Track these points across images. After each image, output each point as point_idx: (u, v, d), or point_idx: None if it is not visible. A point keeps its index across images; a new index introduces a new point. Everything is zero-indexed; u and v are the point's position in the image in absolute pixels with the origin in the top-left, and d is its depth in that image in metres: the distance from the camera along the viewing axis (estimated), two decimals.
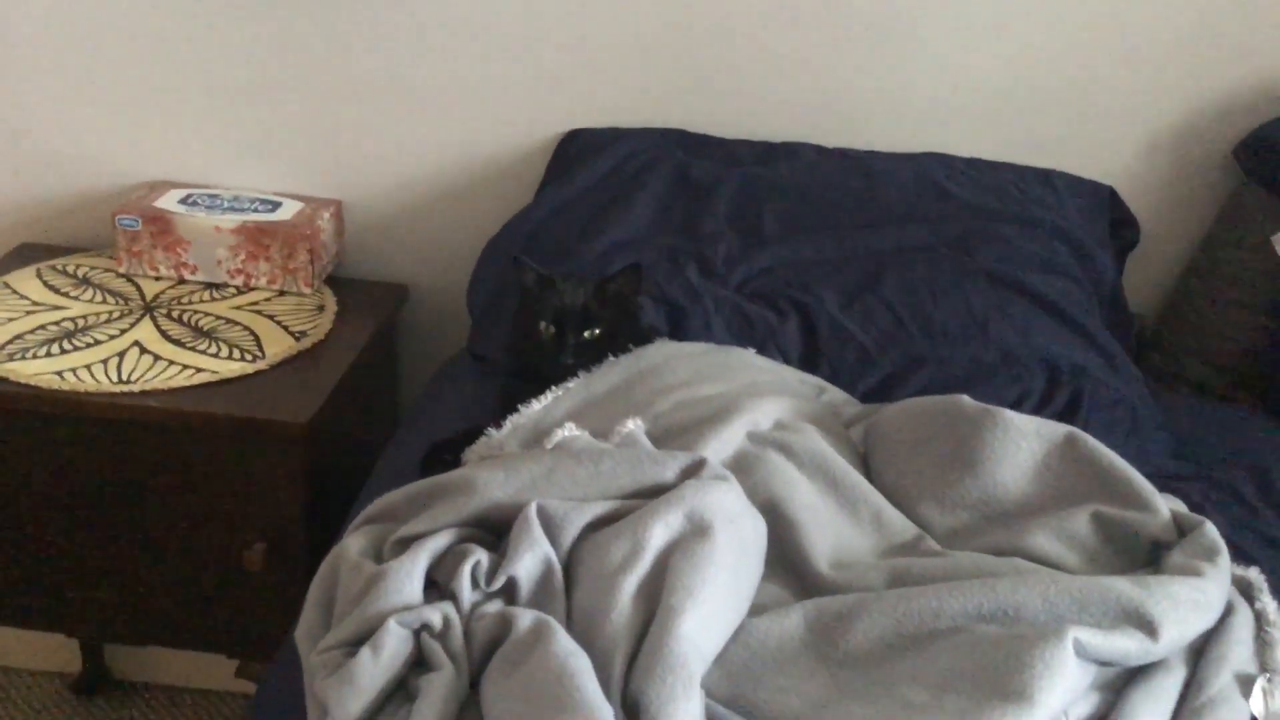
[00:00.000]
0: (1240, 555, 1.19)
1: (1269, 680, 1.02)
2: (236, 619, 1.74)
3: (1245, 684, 1.01)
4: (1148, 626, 0.98)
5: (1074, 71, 1.87)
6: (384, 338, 1.95)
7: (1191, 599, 1.01)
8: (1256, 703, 1.00)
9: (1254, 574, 1.14)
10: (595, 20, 1.89)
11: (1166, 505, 1.15)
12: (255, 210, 1.91)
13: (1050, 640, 0.94)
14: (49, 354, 1.70)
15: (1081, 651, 0.95)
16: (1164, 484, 1.25)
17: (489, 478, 1.09)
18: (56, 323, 1.78)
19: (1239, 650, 1.03)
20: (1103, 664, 0.98)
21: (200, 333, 1.78)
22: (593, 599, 1.00)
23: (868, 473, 1.28)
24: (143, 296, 1.87)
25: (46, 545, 1.72)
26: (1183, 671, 1.01)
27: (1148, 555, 1.13)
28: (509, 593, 1.03)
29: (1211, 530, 1.11)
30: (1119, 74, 1.87)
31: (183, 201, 1.92)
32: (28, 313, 1.80)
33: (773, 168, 1.82)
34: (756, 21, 1.87)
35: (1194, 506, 1.24)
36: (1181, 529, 1.13)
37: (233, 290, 1.91)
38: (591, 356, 1.40)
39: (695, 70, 1.91)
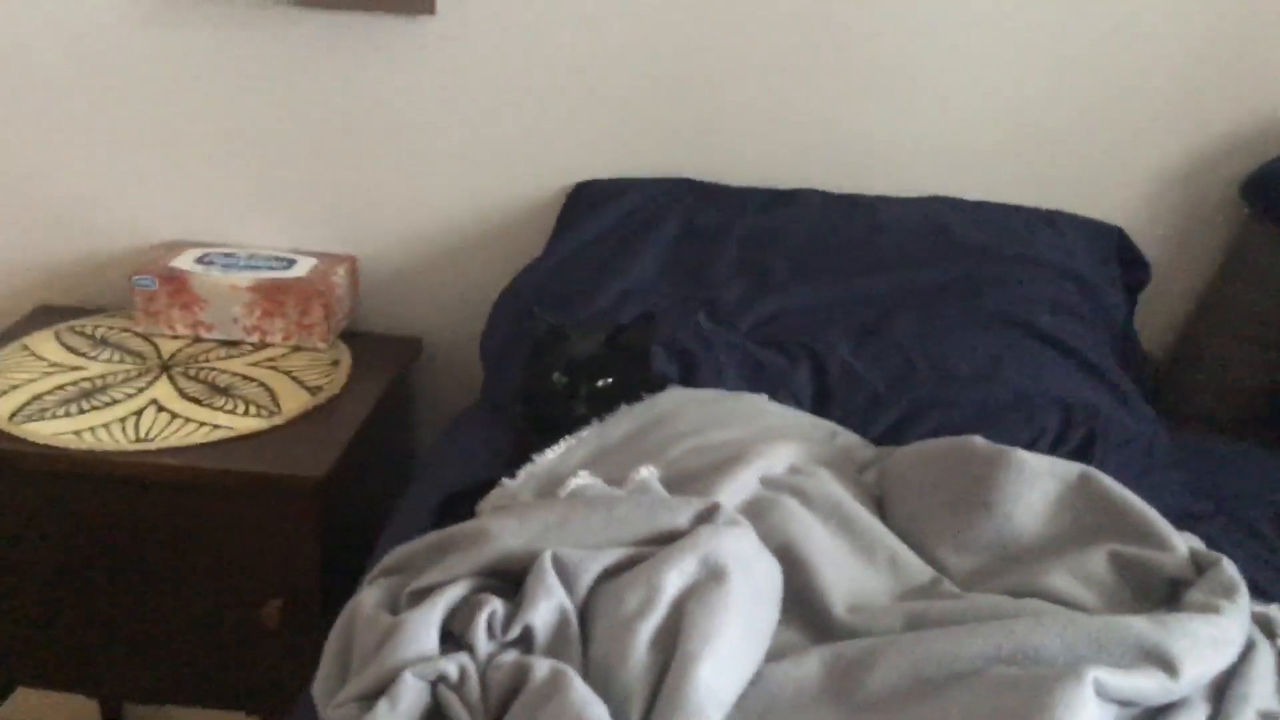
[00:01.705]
0: (1260, 592, 1.18)
1: None
2: (254, 676, 1.74)
3: None
4: (1168, 665, 0.97)
5: (1079, 112, 1.89)
6: (399, 391, 1.96)
7: (1211, 636, 1.00)
8: None
9: (1274, 611, 1.13)
10: (602, 74, 1.91)
11: (1184, 543, 1.15)
12: (270, 268, 1.93)
13: (1070, 681, 0.93)
14: (67, 414, 1.71)
15: (1102, 691, 0.94)
16: (1181, 522, 1.24)
17: (503, 527, 1.10)
18: (74, 383, 1.80)
19: (1261, 688, 1.02)
20: (1123, 704, 0.97)
21: (217, 390, 1.79)
22: (609, 647, 0.99)
23: (882, 516, 1.27)
24: (160, 355, 1.89)
25: (65, 604, 1.73)
26: (1205, 710, 0.99)
27: (1166, 594, 1.12)
28: (525, 642, 1.02)
29: (1230, 567, 1.10)
30: (1124, 114, 1.89)
31: (198, 261, 1.95)
32: (45, 374, 1.82)
33: (780, 214, 1.83)
34: (761, 71, 1.90)
35: (1211, 544, 1.23)
36: (1199, 566, 1.12)
37: (249, 347, 1.93)
38: (604, 405, 1.41)
39: (702, 120, 1.93)
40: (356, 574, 1.33)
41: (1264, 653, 1.06)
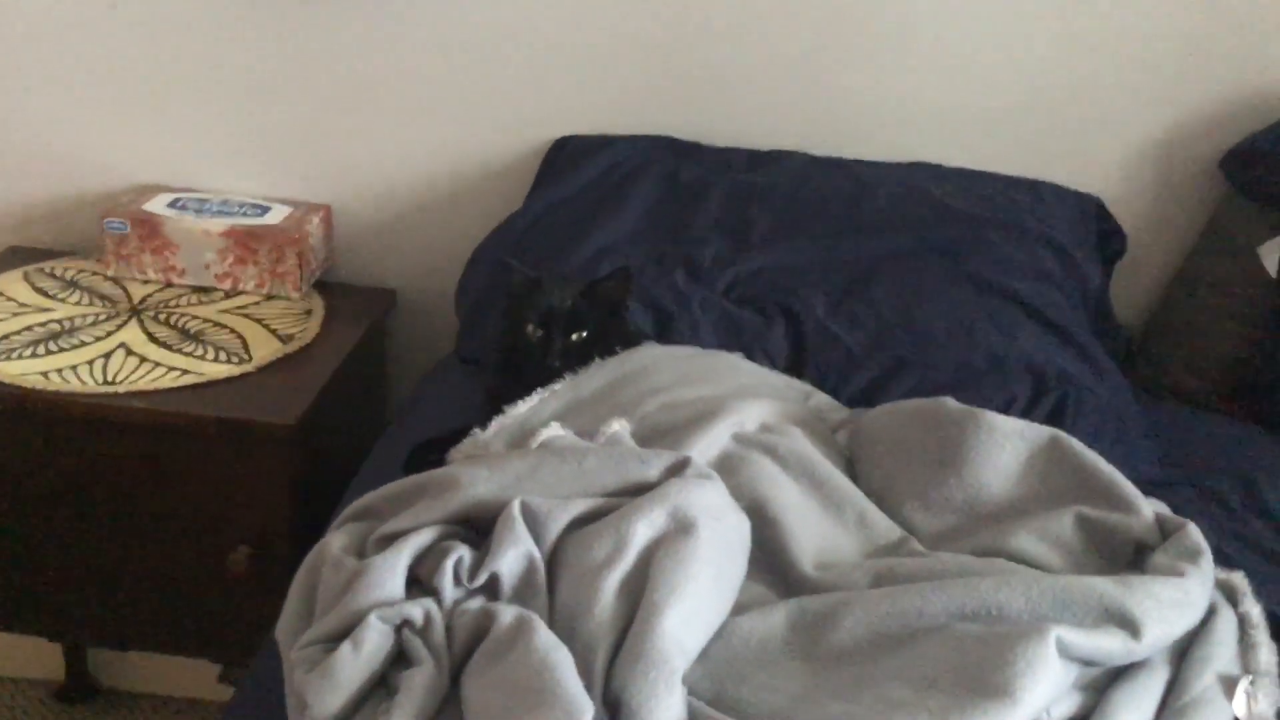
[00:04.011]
0: (1225, 560, 1.18)
1: (1251, 682, 1.02)
2: (220, 623, 1.74)
3: (1228, 685, 1.00)
4: (1130, 626, 0.97)
5: (1061, 83, 1.88)
6: (372, 342, 1.95)
7: (1174, 599, 1.01)
8: (1239, 704, 1.00)
9: (1238, 578, 1.13)
10: (586, 27, 1.89)
11: (1150, 507, 1.15)
12: (244, 214, 1.91)
13: (1033, 638, 0.93)
14: (35, 354, 1.69)
15: (1064, 650, 0.94)
16: (1149, 490, 1.25)
17: (473, 475, 1.09)
18: (43, 324, 1.78)
19: (1222, 651, 1.03)
20: (1085, 663, 0.97)
21: (187, 335, 1.77)
22: (575, 595, 0.99)
23: (853, 475, 1.28)
24: (130, 299, 1.87)
25: (29, 547, 1.72)
26: (1166, 672, 1.00)
27: (1131, 557, 1.13)
28: (491, 589, 1.02)
29: (1194, 532, 1.10)
30: (1106, 85, 1.88)
31: (171, 205, 1.92)
32: (14, 314, 1.80)
33: (761, 174, 1.83)
34: (747, 30, 1.88)
35: (1179, 512, 1.23)
36: (1165, 531, 1.12)
37: (220, 294, 1.91)
38: (578, 359, 1.40)
39: (685, 78, 1.92)
40: (326, 524, 1.32)
41: (1226, 618, 1.07)
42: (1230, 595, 1.11)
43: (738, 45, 1.89)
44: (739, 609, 1.05)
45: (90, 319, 1.80)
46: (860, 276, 1.64)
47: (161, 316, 1.82)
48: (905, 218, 1.74)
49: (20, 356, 1.68)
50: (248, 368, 1.71)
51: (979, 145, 1.91)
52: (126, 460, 1.65)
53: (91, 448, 1.65)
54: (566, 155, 1.89)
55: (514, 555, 1.02)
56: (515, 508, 1.05)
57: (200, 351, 1.73)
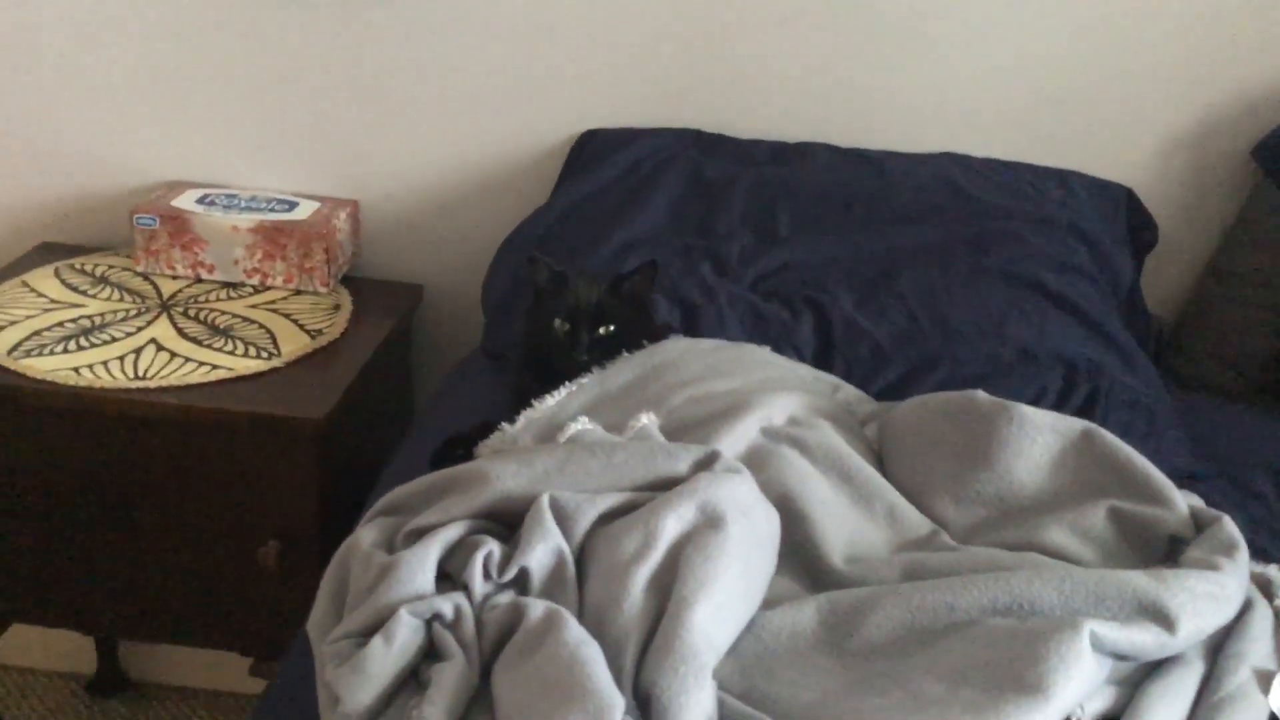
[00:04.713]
0: (1260, 554, 1.17)
1: None
2: (250, 617, 1.75)
3: (1264, 680, 0.99)
4: (1164, 620, 0.96)
5: (1091, 71, 1.87)
6: (399, 336, 1.95)
7: (1209, 593, 0.99)
8: (1276, 699, 0.99)
9: (1274, 571, 1.12)
10: (611, 21, 1.89)
11: (1184, 500, 1.14)
12: (272, 210, 1.92)
13: (1066, 633, 0.92)
14: (65, 350, 1.70)
15: (1097, 644, 0.94)
16: (1182, 483, 1.23)
17: (502, 470, 1.09)
18: (74, 320, 1.79)
19: (1258, 647, 1.01)
20: (1119, 658, 0.97)
21: (216, 331, 1.78)
22: (605, 590, 0.99)
23: (882, 469, 1.27)
24: (160, 295, 1.88)
25: (61, 541, 1.73)
26: (1200, 667, 0.99)
27: (1165, 551, 1.11)
28: (521, 583, 1.02)
29: (1230, 525, 1.09)
30: (1136, 74, 1.86)
31: (200, 201, 1.93)
32: (45, 310, 1.81)
33: (788, 167, 1.82)
34: (772, 22, 1.87)
35: (1212, 505, 1.22)
36: (1199, 524, 1.11)
37: (249, 289, 1.92)
38: (605, 352, 1.40)
39: (711, 71, 1.91)
40: (354, 518, 1.32)
41: (1262, 613, 1.06)
42: (1266, 589, 1.10)
43: (762, 37, 1.88)
44: (769, 603, 1.05)
45: (120, 315, 1.81)
46: (887, 269, 1.63)
47: (191, 312, 1.83)
48: (932, 210, 1.72)
49: (52, 352, 1.70)
50: (276, 363, 1.71)
51: (1007, 136, 1.90)
52: (157, 455, 1.66)
53: (122, 443, 1.66)
54: (592, 149, 1.89)
55: (543, 550, 1.02)
56: (544, 502, 1.05)
57: (229, 347, 1.74)
